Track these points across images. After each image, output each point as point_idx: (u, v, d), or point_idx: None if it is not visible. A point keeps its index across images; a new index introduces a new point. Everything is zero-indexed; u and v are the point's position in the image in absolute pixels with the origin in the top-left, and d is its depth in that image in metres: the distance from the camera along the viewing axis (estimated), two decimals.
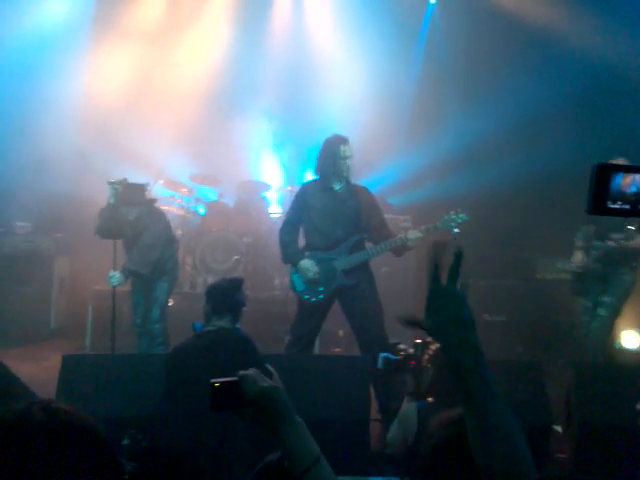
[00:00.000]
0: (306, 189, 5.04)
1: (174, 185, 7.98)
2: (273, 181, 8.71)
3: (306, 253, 4.83)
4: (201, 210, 8.05)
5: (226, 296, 3.69)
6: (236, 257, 7.37)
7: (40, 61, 7.82)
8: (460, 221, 4.68)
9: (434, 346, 2.99)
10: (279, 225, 5.23)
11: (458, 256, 1.33)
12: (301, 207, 4.96)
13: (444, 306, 1.32)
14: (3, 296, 7.22)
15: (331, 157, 4.81)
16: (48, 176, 7.37)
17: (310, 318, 4.84)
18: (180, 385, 3.44)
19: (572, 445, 4.12)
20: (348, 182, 4.90)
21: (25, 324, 7.07)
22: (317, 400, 3.64)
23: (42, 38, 7.88)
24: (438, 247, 1.34)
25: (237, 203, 8.04)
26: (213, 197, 8.32)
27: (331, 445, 1.55)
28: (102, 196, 5.52)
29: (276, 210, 8.27)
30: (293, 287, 4.90)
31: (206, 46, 8.73)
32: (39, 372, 4.97)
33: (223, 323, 3.63)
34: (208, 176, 8.15)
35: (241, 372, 1.49)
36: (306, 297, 4.80)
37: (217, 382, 1.47)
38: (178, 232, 6.98)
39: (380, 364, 3.57)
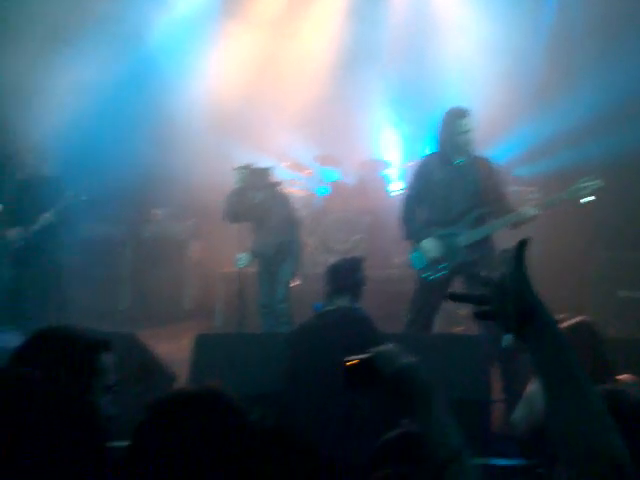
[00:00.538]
0: (427, 163, 4.94)
1: (297, 167, 8.11)
2: (394, 157, 8.59)
3: (428, 230, 4.74)
4: (323, 191, 8.14)
5: (346, 276, 3.71)
6: (356, 237, 7.39)
7: (174, 49, 8.15)
8: (596, 187, 4.41)
9: (565, 324, 2.82)
10: (399, 203, 5.17)
11: (522, 243, 1.17)
12: (422, 181, 4.87)
13: (505, 296, 1.18)
14: (143, 279, 7.75)
15: (450, 132, 4.68)
16: (179, 163, 7.71)
17: (429, 296, 4.73)
18: (302, 364, 3.52)
19: None
20: (470, 155, 4.74)
21: (162, 305, 7.54)
22: (436, 380, 3.59)
23: (174, 30, 8.24)
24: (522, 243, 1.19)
25: (357, 183, 8.04)
26: (335, 177, 8.37)
27: None
28: (229, 181, 5.71)
29: (397, 186, 8.18)
30: (413, 265, 4.83)
31: (325, 22, 8.67)
32: (176, 351, 5.19)
33: (343, 302, 3.64)
34: (329, 156, 8.19)
35: (377, 348, 1.40)
36: (426, 275, 4.70)
37: (351, 360, 1.41)
38: (301, 213, 7.10)
39: (505, 343, 3.43)
